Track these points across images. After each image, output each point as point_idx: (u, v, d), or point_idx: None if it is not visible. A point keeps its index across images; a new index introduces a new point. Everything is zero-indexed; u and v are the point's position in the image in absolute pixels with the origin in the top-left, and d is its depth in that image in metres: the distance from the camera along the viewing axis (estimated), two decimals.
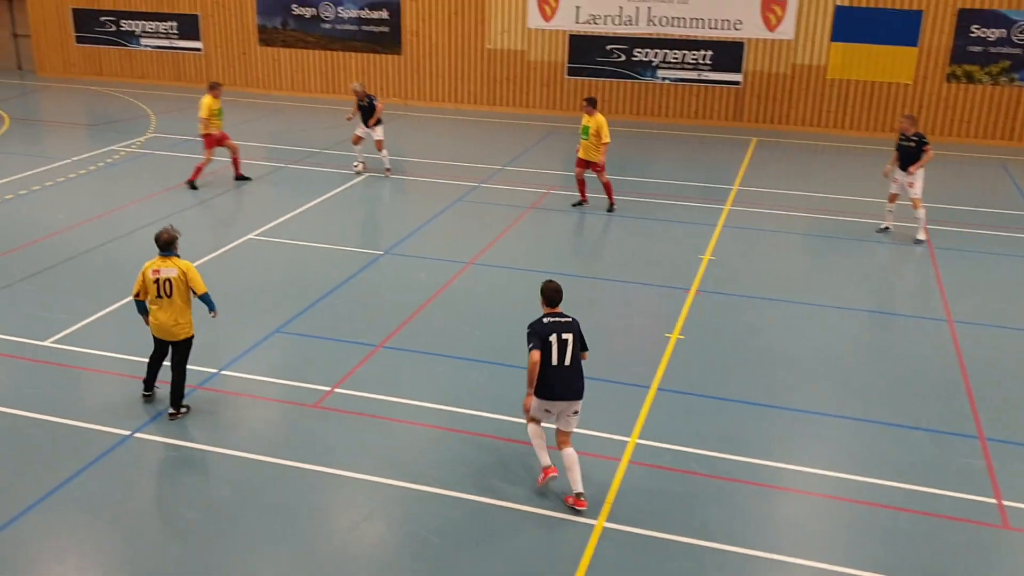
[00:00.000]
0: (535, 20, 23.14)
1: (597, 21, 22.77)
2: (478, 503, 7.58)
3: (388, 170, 17.38)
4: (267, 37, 25.15)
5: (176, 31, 25.88)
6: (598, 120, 14.94)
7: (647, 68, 22.78)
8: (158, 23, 25.97)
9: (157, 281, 8.48)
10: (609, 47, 22.84)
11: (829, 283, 12.67)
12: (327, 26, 24.62)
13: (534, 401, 7.43)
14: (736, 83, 22.35)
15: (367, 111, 17.11)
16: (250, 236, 13.98)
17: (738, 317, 11.44)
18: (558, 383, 7.36)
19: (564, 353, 7.35)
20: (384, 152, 17.20)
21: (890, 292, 12.91)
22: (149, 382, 9.05)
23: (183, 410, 8.79)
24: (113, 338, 10.49)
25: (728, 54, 22.21)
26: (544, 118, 23.17)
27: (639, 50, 22.69)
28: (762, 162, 19.27)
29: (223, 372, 9.70)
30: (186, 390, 8.84)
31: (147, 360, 9.00)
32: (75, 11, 26.49)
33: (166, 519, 7.53)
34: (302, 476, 7.93)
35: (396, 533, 7.28)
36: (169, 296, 8.49)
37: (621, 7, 22.48)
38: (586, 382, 7.54)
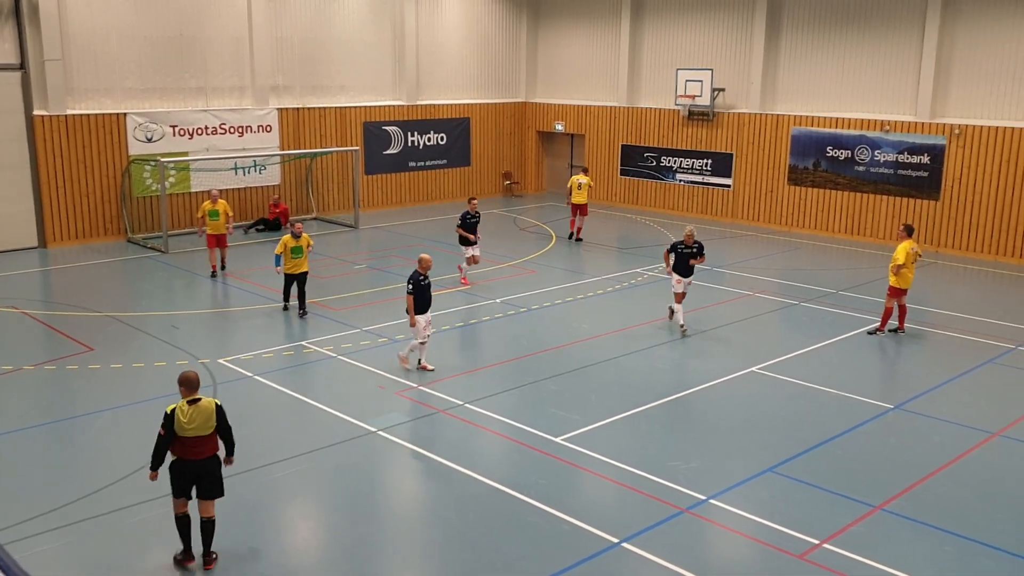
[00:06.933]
0: None
1: None
2: None
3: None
4: (797, 177, 25.46)
5: (709, 168, 27.45)
6: None
7: None
8: (694, 160, 27.81)
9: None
10: None
11: None
12: (860, 168, 24.18)
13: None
14: None
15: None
16: (754, 369, 13.96)
17: None
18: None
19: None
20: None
21: None
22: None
23: None
24: (615, 445, 11.09)
25: None
26: None
27: None
28: None
29: (711, 500, 9.68)
30: (674, 512, 8.94)
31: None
32: (623, 147, 29.53)
33: None
34: None
35: None
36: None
37: None
38: None
